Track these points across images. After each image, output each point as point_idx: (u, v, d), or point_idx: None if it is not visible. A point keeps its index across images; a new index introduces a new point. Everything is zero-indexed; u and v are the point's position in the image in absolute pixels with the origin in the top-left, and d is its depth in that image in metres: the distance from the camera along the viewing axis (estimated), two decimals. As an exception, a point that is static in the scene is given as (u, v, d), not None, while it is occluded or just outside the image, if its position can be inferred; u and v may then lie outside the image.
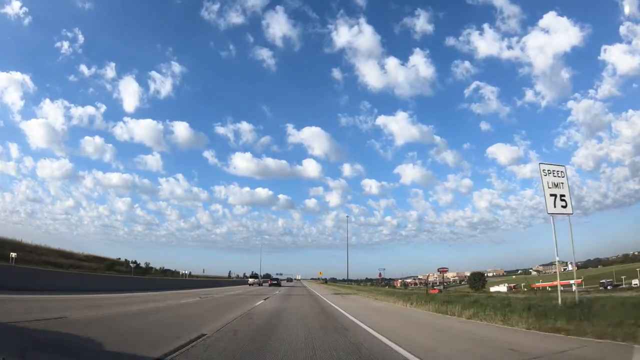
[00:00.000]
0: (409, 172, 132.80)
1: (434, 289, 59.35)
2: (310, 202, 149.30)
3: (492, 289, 70.94)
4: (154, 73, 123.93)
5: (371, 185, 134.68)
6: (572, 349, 5.69)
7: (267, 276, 78.61)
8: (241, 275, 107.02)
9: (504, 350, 5.84)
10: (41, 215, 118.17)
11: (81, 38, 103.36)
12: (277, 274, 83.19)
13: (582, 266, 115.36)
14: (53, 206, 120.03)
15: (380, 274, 76.08)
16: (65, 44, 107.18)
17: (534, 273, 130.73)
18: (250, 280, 55.89)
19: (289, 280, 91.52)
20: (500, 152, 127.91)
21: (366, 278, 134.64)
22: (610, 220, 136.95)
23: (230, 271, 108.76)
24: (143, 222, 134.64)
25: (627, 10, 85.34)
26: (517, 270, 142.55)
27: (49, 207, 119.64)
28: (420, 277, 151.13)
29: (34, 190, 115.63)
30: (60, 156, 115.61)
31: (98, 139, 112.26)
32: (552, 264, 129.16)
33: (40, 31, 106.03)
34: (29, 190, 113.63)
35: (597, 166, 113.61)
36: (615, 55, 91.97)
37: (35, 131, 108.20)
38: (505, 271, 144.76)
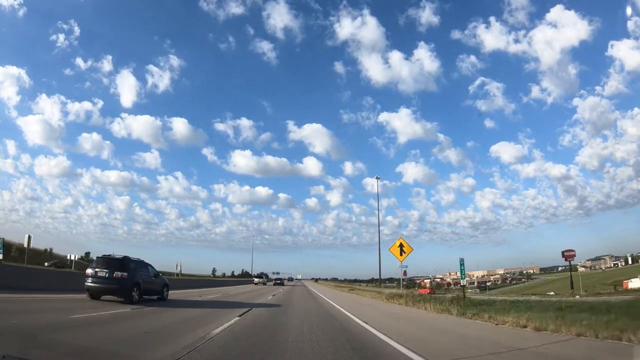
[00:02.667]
0: (411, 171, 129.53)
1: (423, 289, 51.91)
2: (311, 201, 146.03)
3: (634, 284, 51.94)
4: (151, 67, 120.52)
5: (373, 184, 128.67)
6: None
7: (264, 275, 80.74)
8: (228, 274, 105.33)
9: None
10: (40, 213, 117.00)
11: (77, 30, 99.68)
12: (273, 273, 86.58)
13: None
14: (52, 204, 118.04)
15: (405, 272, 70.66)
16: (61, 37, 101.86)
17: (581, 269, 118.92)
18: (256, 279, 59.53)
19: (290, 279, 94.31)
20: (504, 150, 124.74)
21: (372, 278, 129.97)
22: (613, 220, 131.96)
23: (214, 268, 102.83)
24: (142, 221, 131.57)
25: (629, 12, 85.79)
26: (557, 267, 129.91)
27: (48, 205, 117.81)
28: (439, 276, 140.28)
29: (32, 188, 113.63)
30: (57, 153, 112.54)
31: (96, 136, 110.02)
32: (598, 258, 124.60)
33: (36, 23, 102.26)
34: (27, 188, 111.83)
35: (601, 166, 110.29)
36: (623, 51, 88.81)
37: (32, 127, 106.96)
38: (540, 268, 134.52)
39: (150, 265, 14.71)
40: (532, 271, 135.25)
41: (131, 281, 12.58)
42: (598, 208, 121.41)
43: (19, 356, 3.36)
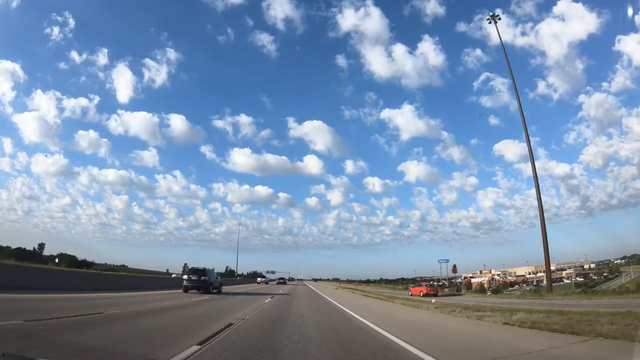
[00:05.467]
0: (414, 169, 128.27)
1: (416, 288, 37.21)
2: (311, 201, 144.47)
3: None
4: (148, 60, 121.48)
5: (374, 183, 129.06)
6: None
7: (258, 274, 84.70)
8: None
9: None
10: (38, 213, 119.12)
11: (72, 22, 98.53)
12: (267, 272, 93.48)
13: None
14: (50, 204, 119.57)
15: (455, 268, 51.54)
16: (56, 29, 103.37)
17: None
18: (259, 279, 66.13)
19: (290, 279, 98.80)
20: (508, 148, 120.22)
21: (380, 278, 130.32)
22: (615, 220, 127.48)
23: (185, 264, 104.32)
24: (141, 221, 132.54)
25: (629, 13, 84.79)
26: (613, 260, 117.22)
27: (46, 204, 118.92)
28: (468, 274, 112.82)
29: (30, 187, 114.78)
30: (54, 151, 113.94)
31: (92, 133, 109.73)
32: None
33: (30, 15, 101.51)
34: (25, 187, 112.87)
35: (605, 164, 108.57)
36: (631, 46, 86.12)
37: (27, 124, 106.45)
38: (591, 262, 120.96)
39: (215, 272, 24.83)
40: (588, 265, 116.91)
41: (209, 282, 22.72)
42: (600, 208, 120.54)
43: (18, 354, 3.44)
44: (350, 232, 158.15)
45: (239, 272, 78.84)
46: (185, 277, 22.87)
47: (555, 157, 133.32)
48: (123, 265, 78.92)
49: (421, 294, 31.77)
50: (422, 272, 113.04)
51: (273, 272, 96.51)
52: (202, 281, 22.32)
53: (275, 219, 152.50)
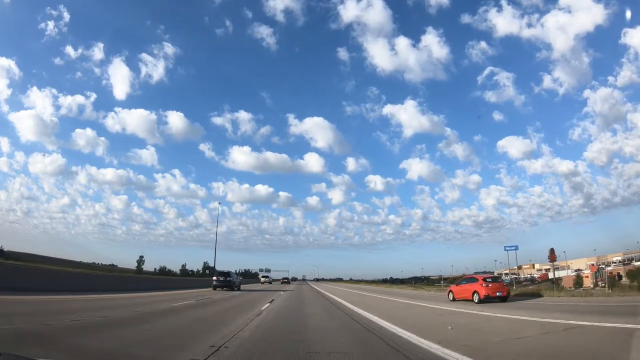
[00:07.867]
0: (416, 167, 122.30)
1: (466, 286, 18.45)
2: (312, 200, 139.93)
3: None
4: (144, 55, 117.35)
5: (376, 181, 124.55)
6: None
7: (251, 274, 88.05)
8: (175, 268, 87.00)
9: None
10: (37, 214, 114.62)
11: (67, 16, 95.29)
12: (260, 270, 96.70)
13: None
14: (49, 204, 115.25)
15: (553, 254, 35.11)
16: (50, 24, 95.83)
17: None
18: (263, 279, 70.87)
19: (293, 279, 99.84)
20: (512, 145, 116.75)
21: (390, 277, 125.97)
22: (617, 219, 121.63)
23: (141, 257, 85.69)
24: (140, 221, 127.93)
25: (628, 15, 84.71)
26: None
27: (45, 205, 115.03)
28: (501, 271, 74.10)
29: (28, 187, 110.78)
30: (52, 150, 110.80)
31: (90, 131, 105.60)
32: None
33: (23, 10, 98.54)
34: (23, 187, 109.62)
35: (609, 161, 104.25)
36: (638, 39, 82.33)
37: (24, 123, 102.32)
38: None
39: (236, 273, 32.23)
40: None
41: (232, 281, 30.28)
42: (604, 206, 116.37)
43: (16, 354, 3.45)
44: (352, 231, 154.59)
45: (228, 270, 76.14)
46: (214, 278, 30.35)
47: (560, 154, 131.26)
48: (112, 265, 78.34)
49: (476, 299, 17.19)
50: (459, 269, 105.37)
51: (268, 271, 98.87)
52: (228, 281, 29.81)
53: (276, 218, 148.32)
